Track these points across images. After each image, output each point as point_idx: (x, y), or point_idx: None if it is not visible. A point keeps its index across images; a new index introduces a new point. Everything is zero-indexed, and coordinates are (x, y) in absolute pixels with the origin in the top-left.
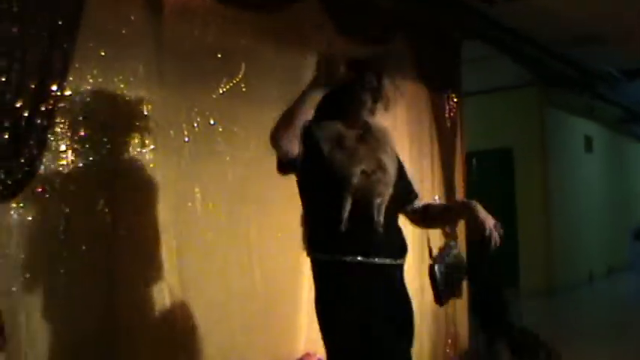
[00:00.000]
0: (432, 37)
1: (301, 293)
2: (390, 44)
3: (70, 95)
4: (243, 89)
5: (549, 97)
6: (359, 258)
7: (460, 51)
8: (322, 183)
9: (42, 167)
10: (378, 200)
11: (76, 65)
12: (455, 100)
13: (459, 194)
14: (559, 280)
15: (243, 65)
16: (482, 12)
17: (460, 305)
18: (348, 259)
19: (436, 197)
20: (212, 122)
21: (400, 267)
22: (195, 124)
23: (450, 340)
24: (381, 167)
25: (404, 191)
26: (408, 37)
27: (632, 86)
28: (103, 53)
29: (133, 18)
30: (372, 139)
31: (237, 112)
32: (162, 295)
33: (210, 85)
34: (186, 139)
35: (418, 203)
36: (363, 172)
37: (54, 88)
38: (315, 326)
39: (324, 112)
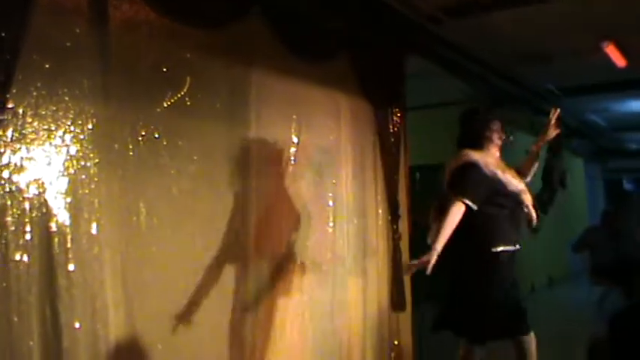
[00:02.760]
0: (376, 53)
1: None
2: (334, 60)
3: (13, 108)
4: (188, 103)
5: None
6: (517, 246)
7: (404, 67)
8: (501, 198)
9: None
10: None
11: (19, 77)
12: (399, 115)
13: (403, 207)
14: None
15: (188, 79)
16: (426, 29)
17: (404, 318)
18: (513, 247)
19: (379, 211)
20: (157, 136)
21: None
22: (140, 138)
23: (393, 354)
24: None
25: None
26: (351, 54)
27: (571, 103)
28: (47, 66)
29: (78, 31)
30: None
31: (181, 125)
32: (106, 312)
33: (155, 98)
34: (131, 153)
35: None
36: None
37: None
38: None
39: (465, 143)
